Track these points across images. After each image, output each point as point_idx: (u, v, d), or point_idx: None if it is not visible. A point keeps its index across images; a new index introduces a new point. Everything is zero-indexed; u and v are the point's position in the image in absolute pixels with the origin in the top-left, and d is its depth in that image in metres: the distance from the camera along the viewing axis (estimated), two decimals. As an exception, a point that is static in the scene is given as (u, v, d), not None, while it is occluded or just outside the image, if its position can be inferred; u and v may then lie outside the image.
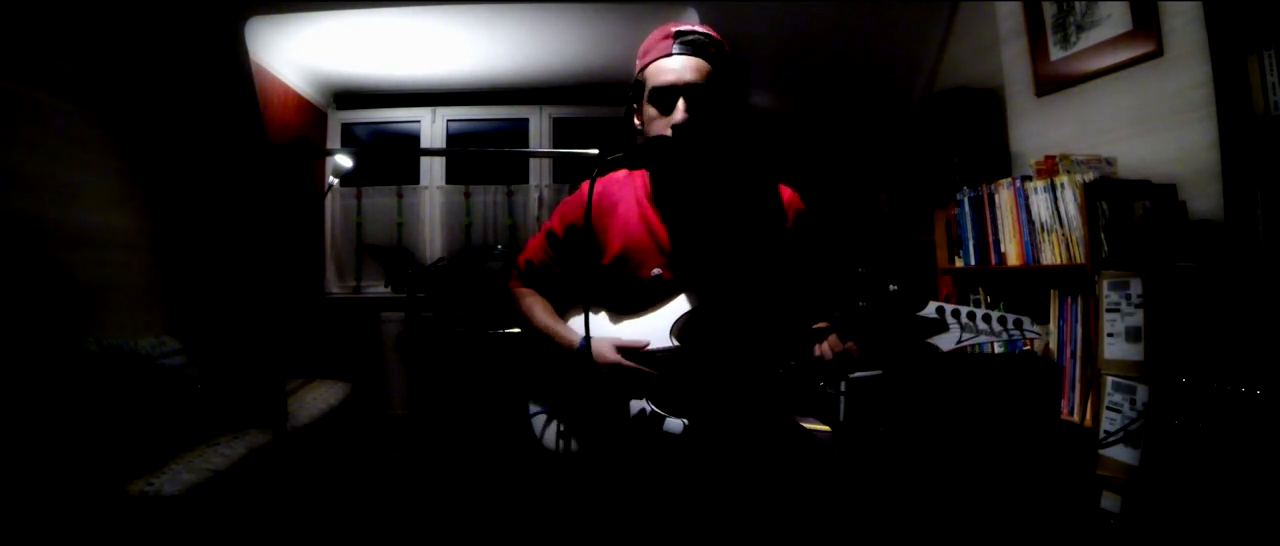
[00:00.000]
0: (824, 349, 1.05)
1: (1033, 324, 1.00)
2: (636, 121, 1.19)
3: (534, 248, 1.36)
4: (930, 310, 1.01)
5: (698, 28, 1.13)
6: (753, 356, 1.17)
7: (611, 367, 1.15)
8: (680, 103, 1.10)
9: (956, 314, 1.00)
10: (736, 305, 1.17)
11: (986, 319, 0.99)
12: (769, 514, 1.16)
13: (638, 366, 1.15)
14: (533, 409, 1.32)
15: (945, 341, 1.01)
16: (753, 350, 1.16)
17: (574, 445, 1.22)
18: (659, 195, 1.23)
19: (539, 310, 1.32)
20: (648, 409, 1.14)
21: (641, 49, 1.18)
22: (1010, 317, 0.99)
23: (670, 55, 1.12)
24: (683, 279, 1.18)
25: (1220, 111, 1.60)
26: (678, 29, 1.13)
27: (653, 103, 1.13)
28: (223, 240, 2.83)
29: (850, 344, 1.04)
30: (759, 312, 1.17)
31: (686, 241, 1.20)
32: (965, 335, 1.00)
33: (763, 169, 1.27)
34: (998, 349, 2.00)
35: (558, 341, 1.25)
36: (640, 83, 1.16)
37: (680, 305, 1.17)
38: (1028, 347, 1.90)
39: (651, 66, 1.14)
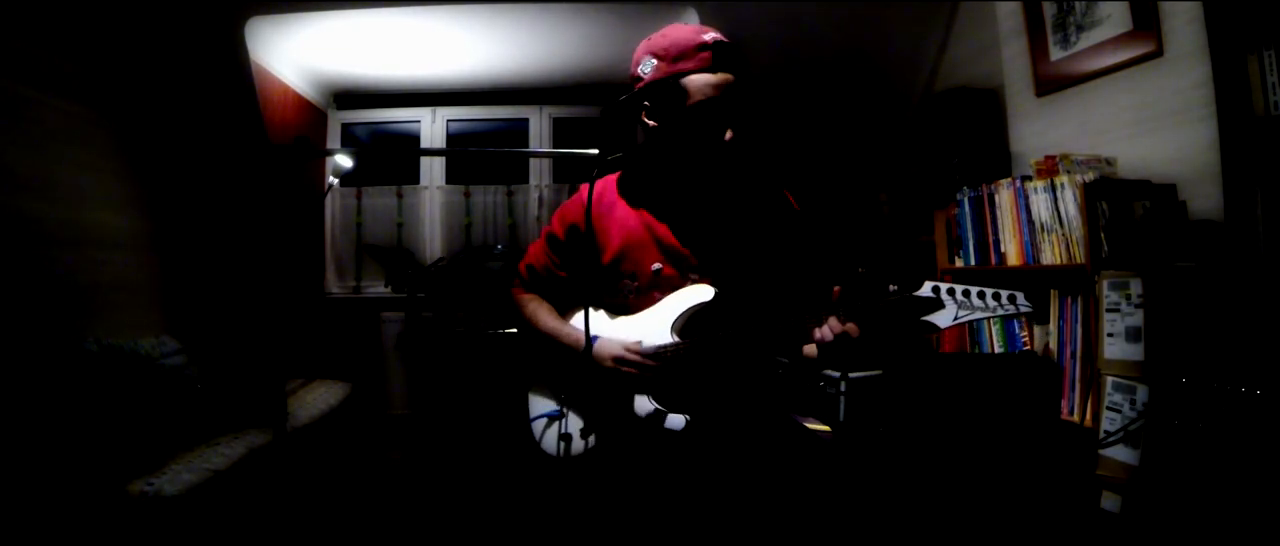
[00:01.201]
0: (823, 332, 1.05)
1: (1026, 298, 1.01)
2: (651, 121, 1.16)
3: (535, 253, 1.36)
4: (926, 289, 1.02)
5: (727, 40, 1.12)
6: (753, 351, 1.17)
7: (616, 361, 1.16)
8: (726, 120, 1.11)
9: (952, 292, 1.01)
10: (737, 301, 1.18)
11: (981, 295, 1.00)
12: (769, 511, 1.16)
13: (642, 360, 1.15)
14: (534, 413, 1.33)
15: (942, 319, 1.01)
16: (753, 345, 1.16)
17: (576, 446, 1.22)
18: (663, 196, 1.23)
19: (543, 314, 1.32)
20: (651, 406, 1.15)
21: (666, 49, 1.13)
22: (1004, 293, 1.00)
23: (710, 68, 1.10)
24: (684, 275, 1.19)
25: (1220, 111, 1.60)
26: (716, 40, 1.11)
27: (694, 116, 1.11)
28: (223, 240, 2.83)
29: (850, 325, 1.04)
30: (759, 309, 1.17)
31: (690, 241, 1.20)
32: (961, 312, 1.00)
33: (770, 175, 1.27)
34: (997, 346, 2.00)
35: (563, 342, 1.26)
36: (671, 89, 1.12)
37: (679, 302, 1.18)
38: (1027, 346, 1.90)
39: (692, 79, 1.11)
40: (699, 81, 1.11)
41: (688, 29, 1.15)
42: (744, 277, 1.19)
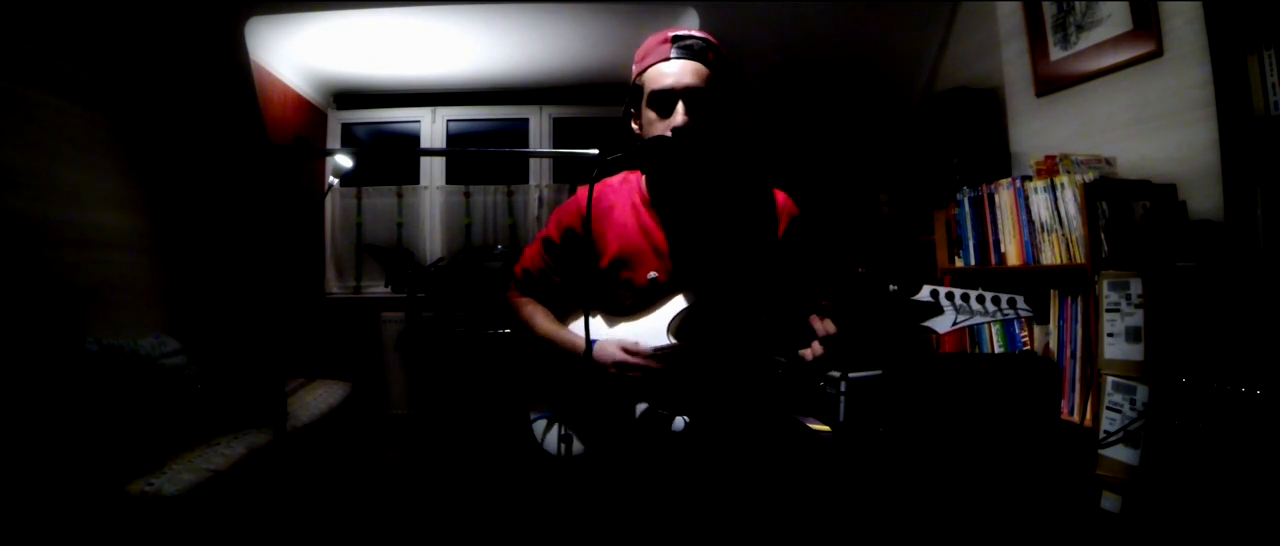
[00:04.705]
0: (815, 348, 1.05)
1: (1026, 302, 1.00)
2: (634, 126, 1.19)
3: (531, 256, 1.36)
4: (925, 294, 1.02)
5: (695, 33, 1.13)
6: (749, 353, 1.17)
7: (617, 366, 1.16)
8: (679, 106, 1.10)
9: (950, 296, 1.00)
10: (731, 306, 1.18)
11: (981, 299, 1.00)
12: (769, 511, 1.16)
13: (644, 362, 1.15)
14: (534, 415, 1.32)
15: (941, 323, 1.01)
16: (748, 348, 1.16)
17: (577, 447, 1.22)
18: (655, 198, 1.23)
19: (540, 318, 1.32)
20: (655, 410, 1.15)
21: (639, 54, 1.18)
22: (1004, 297, 1.00)
23: (668, 59, 1.11)
24: (678, 281, 1.19)
25: (1220, 111, 1.60)
26: (675, 34, 1.13)
27: (652, 106, 1.13)
28: (223, 240, 2.83)
29: (826, 320, 1.03)
30: (753, 312, 1.17)
31: (682, 244, 1.20)
32: (960, 316, 1.00)
33: (758, 173, 1.27)
34: (997, 346, 2.00)
35: (561, 346, 1.26)
36: (638, 87, 1.16)
37: (675, 306, 1.18)
38: (1027, 346, 1.90)
39: (650, 71, 1.13)
40: (656, 72, 1.12)
41: (662, 32, 1.15)
42: (724, 286, 1.18)
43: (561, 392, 1.29)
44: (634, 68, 1.18)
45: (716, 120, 1.13)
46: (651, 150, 1.12)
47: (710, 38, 1.14)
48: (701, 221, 1.20)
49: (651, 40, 1.16)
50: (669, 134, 1.10)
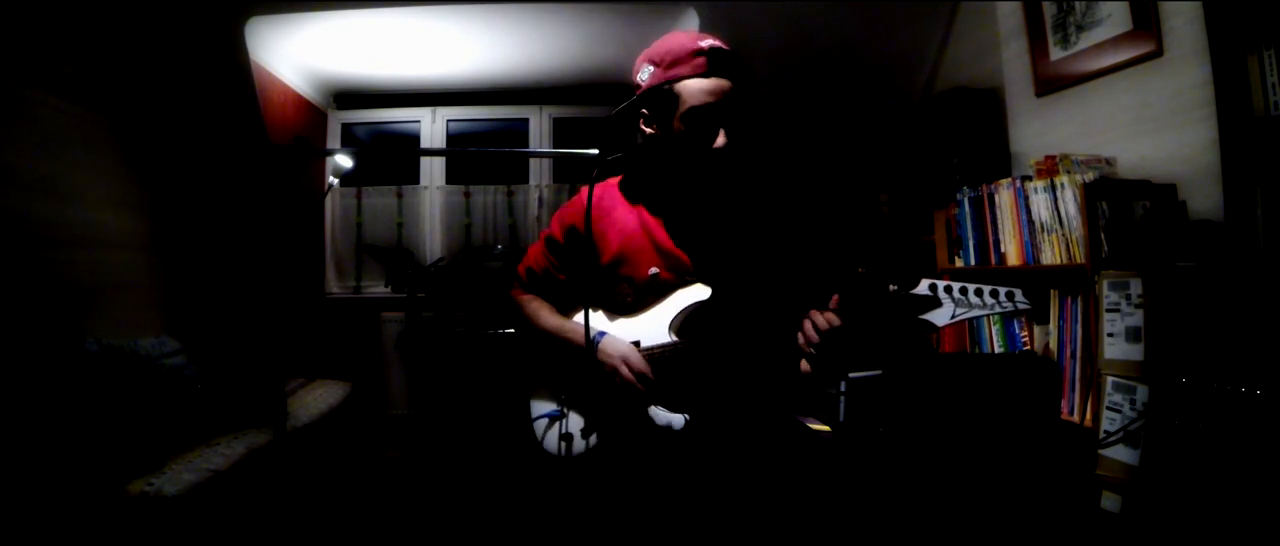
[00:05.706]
0: (809, 334, 1.05)
1: (1024, 295, 1.00)
2: (647, 129, 1.18)
3: (534, 255, 1.37)
4: (923, 288, 1.02)
5: (724, 46, 1.11)
6: (752, 352, 1.18)
7: (612, 370, 1.16)
8: (721, 127, 1.10)
9: (949, 289, 1.00)
10: (736, 304, 1.18)
11: (979, 292, 1.00)
12: (769, 511, 1.16)
13: (641, 372, 1.15)
14: (535, 412, 1.33)
15: (939, 316, 1.01)
16: (752, 347, 1.16)
17: (577, 446, 1.22)
18: (661, 200, 1.23)
19: (545, 313, 1.33)
20: (665, 416, 1.15)
21: (662, 56, 1.14)
22: (1002, 290, 1.00)
23: (705, 74, 1.10)
24: (682, 279, 1.19)
25: (1220, 111, 1.60)
26: (712, 47, 1.10)
27: (687, 122, 1.11)
28: (223, 240, 2.83)
29: (829, 314, 1.03)
30: (758, 312, 1.17)
31: (690, 243, 1.20)
32: (959, 310, 1.00)
33: (767, 177, 1.27)
34: (997, 346, 2.00)
35: (567, 339, 1.26)
36: (665, 95, 1.12)
37: (677, 303, 1.18)
38: (1027, 346, 1.90)
39: (686, 85, 1.11)
40: (692, 87, 1.11)
41: (685, 35, 1.14)
42: (739, 283, 1.19)
43: (564, 385, 1.29)
44: (656, 70, 1.14)
45: (752, 138, 1.13)
46: (695, 170, 1.14)
47: (736, 52, 1.13)
48: (738, 241, 1.20)
49: (678, 46, 1.12)
50: (705, 152, 1.10)
